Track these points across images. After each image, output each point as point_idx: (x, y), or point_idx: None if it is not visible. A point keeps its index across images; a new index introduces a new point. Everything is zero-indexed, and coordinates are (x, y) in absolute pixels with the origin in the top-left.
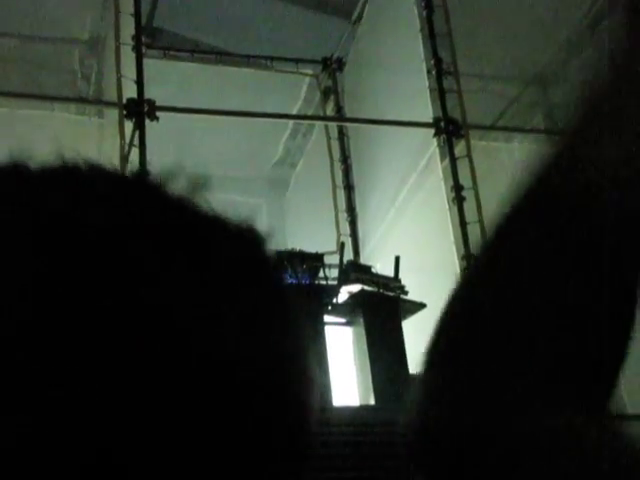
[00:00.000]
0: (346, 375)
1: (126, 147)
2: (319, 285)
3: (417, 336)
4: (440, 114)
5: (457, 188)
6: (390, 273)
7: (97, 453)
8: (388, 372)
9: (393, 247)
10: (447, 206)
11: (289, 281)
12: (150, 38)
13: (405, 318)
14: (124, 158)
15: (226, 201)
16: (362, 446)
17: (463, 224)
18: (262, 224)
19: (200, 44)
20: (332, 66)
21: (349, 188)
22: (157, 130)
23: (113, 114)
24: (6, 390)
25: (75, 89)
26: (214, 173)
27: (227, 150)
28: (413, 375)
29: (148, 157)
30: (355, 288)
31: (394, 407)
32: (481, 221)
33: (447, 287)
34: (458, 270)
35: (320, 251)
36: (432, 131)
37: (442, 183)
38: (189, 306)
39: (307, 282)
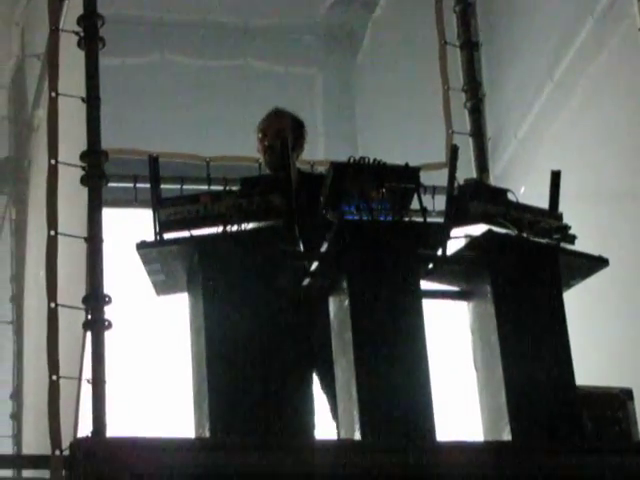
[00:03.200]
0: (460, 387)
1: None
2: (412, 224)
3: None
4: None
5: None
6: (543, 203)
7: None
8: (537, 385)
9: (548, 157)
10: None
11: (356, 216)
12: None
13: (570, 285)
14: None
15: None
16: None
17: None
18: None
19: None
20: None
21: (469, 46)
22: None
23: None
24: None
25: None
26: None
27: None
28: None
29: None
30: (478, 229)
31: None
32: None
33: None
34: None
35: (414, 162)
36: None
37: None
38: None
39: (389, 218)
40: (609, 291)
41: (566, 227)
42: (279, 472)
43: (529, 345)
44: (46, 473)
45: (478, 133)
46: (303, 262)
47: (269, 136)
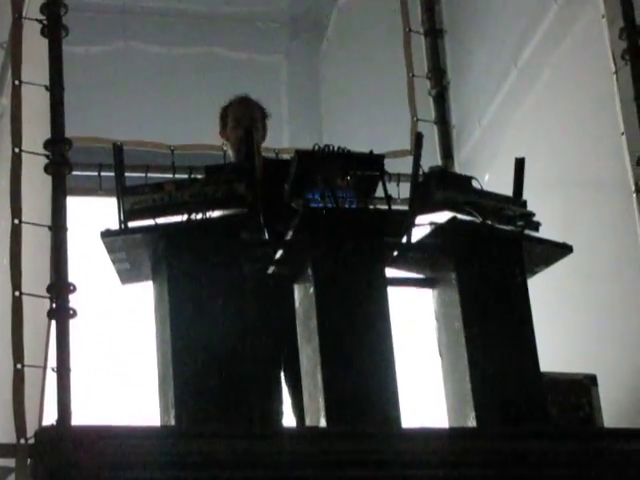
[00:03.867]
0: (425, 374)
1: None
2: (376, 212)
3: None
4: None
5: (632, 30)
6: (507, 190)
7: None
8: (502, 371)
9: (512, 144)
10: (613, 66)
11: (321, 204)
12: None
13: (535, 272)
14: None
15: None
16: None
17: None
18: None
19: None
20: None
21: (434, 33)
22: None
23: None
24: None
25: None
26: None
27: None
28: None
29: None
30: (443, 217)
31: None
32: None
33: (611, 215)
34: (632, 183)
35: (379, 150)
36: None
37: (603, 22)
38: None
39: (354, 206)
40: (573, 278)
41: (530, 214)
42: (244, 460)
43: (494, 332)
44: (11, 462)
45: (442, 120)
46: (268, 250)
47: (242, 126)
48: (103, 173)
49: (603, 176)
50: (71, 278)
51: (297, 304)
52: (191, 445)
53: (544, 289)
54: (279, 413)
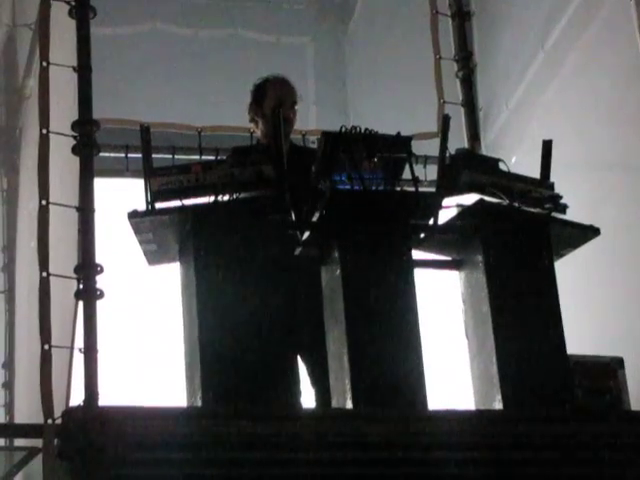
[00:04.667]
0: (452, 356)
1: None
2: (403, 193)
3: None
4: None
5: None
6: (534, 173)
7: None
8: (528, 354)
9: (539, 126)
10: None
11: (348, 186)
12: None
13: (562, 254)
14: None
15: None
16: None
17: None
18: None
19: None
20: None
21: (461, 16)
22: None
23: None
24: None
25: None
26: None
27: None
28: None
29: None
30: (470, 199)
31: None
32: None
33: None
34: None
35: (406, 132)
36: None
37: (631, 4)
38: None
39: (381, 188)
40: (600, 260)
41: (557, 196)
42: (272, 441)
43: (520, 314)
44: (38, 442)
45: (469, 103)
46: (295, 232)
47: (285, 106)
48: (130, 155)
49: (631, 158)
50: (98, 259)
51: (324, 286)
52: (217, 426)
53: (571, 272)
54: (299, 393)
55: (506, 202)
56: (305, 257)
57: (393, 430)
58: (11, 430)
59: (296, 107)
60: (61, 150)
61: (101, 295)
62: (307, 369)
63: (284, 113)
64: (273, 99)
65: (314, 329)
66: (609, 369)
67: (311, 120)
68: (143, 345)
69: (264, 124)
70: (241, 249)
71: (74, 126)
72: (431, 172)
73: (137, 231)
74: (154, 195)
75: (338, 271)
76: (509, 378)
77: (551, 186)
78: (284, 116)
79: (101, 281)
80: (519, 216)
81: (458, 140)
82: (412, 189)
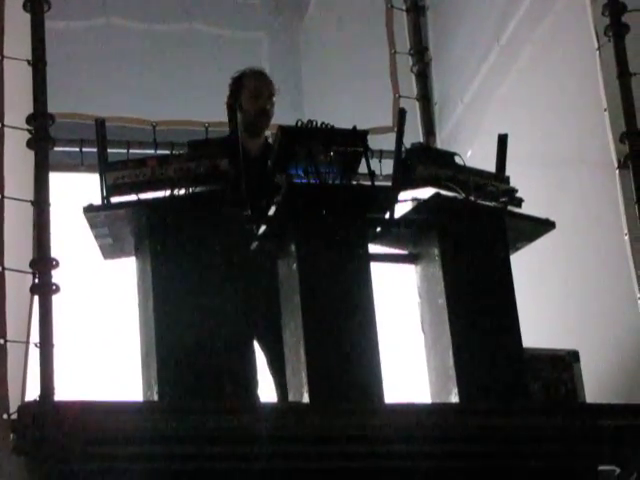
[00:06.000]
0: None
1: None
2: (360, 187)
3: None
4: None
5: (615, 7)
6: (489, 166)
7: None
8: (484, 347)
9: (495, 120)
10: (595, 42)
11: (304, 180)
12: None
13: (517, 247)
14: None
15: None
16: None
17: (624, 75)
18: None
19: None
20: None
21: (416, 10)
22: None
23: None
24: None
25: None
26: None
27: None
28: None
29: None
30: (426, 193)
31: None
32: None
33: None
34: (615, 159)
35: (362, 126)
36: None
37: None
38: None
39: (337, 182)
40: (556, 253)
41: (513, 190)
42: (227, 435)
43: (476, 308)
44: None
45: (425, 97)
46: (251, 226)
47: (263, 98)
48: (85, 149)
49: (586, 152)
50: (54, 253)
51: (280, 280)
52: (173, 420)
53: (527, 265)
54: (256, 385)
55: (462, 196)
56: (261, 250)
57: (349, 423)
58: None
59: (274, 99)
60: (16, 144)
61: (57, 289)
62: (266, 360)
63: (261, 105)
64: (250, 91)
65: (272, 321)
66: (564, 362)
67: None
68: (99, 340)
69: (242, 116)
70: (197, 243)
71: (29, 120)
72: (387, 166)
73: (93, 225)
74: (109, 189)
75: (294, 265)
76: (465, 371)
77: (507, 180)
78: (261, 108)
79: (57, 275)
80: (475, 210)
81: (413, 134)
82: (368, 183)
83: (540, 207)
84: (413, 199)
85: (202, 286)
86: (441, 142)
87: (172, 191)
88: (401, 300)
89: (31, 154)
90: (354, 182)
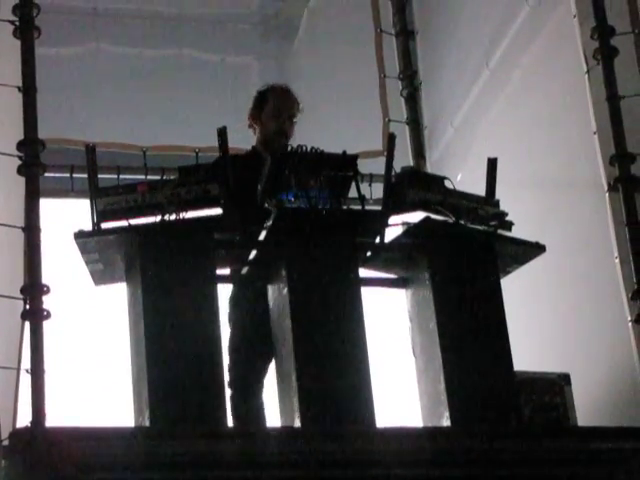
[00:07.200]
0: (399, 374)
1: None
2: (350, 211)
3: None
4: None
5: (603, 30)
6: (479, 190)
7: None
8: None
9: (484, 144)
10: (584, 65)
11: (294, 204)
12: None
13: (508, 271)
14: None
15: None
16: None
17: (613, 98)
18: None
19: None
20: None
21: (405, 34)
22: None
23: None
24: None
25: None
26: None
27: None
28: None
29: None
30: (416, 217)
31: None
32: None
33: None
34: (605, 182)
35: (351, 150)
36: None
37: (575, 22)
38: None
39: (327, 206)
40: (546, 277)
41: (503, 214)
42: (219, 460)
43: (467, 331)
44: None
45: (415, 121)
46: (242, 251)
47: (282, 119)
48: (75, 175)
49: (576, 175)
50: (45, 279)
51: (271, 305)
52: (165, 446)
53: (517, 289)
54: (258, 410)
55: (452, 220)
56: (252, 275)
57: (340, 448)
58: None
59: (295, 119)
60: (6, 170)
61: (48, 315)
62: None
63: (280, 125)
64: (272, 109)
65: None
66: (556, 385)
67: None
68: (90, 365)
69: (261, 131)
70: (187, 269)
71: (19, 146)
72: (377, 190)
73: (83, 251)
74: (100, 215)
75: (285, 290)
76: (456, 395)
77: (496, 203)
78: (279, 128)
79: (48, 301)
80: (465, 234)
81: (403, 158)
82: (358, 207)
83: (530, 230)
84: (403, 223)
85: (192, 312)
86: (431, 166)
87: (162, 216)
88: (392, 324)
89: (22, 180)
90: (344, 206)
